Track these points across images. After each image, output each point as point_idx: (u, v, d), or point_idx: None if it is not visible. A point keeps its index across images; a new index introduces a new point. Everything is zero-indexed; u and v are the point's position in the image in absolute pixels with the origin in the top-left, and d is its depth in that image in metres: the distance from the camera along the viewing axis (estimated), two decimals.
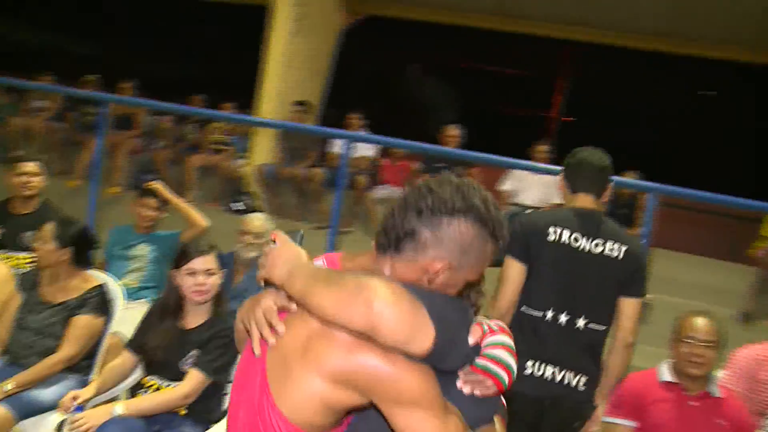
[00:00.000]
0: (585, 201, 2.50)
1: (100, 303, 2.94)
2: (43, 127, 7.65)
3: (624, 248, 2.42)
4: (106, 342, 3.04)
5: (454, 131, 6.40)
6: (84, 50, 10.74)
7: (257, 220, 3.76)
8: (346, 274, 1.25)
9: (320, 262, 1.46)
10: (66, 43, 10.89)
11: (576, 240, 2.42)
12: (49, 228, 2.93)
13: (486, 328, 1.38)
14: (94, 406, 2.54)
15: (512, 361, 1.37)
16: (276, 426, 1.26)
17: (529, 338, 2.41)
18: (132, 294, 3.79)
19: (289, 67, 7.21)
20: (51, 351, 2.83)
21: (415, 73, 12.24)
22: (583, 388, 2.44)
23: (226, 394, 2.62)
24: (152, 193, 4.06)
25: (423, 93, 11.78)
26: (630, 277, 2.43)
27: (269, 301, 1.33)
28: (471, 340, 1.32)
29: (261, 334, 1.30)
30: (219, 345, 2.58)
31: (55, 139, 7.66)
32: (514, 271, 2.45)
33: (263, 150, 7.23)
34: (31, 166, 3.94)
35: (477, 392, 1.32)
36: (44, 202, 4.01)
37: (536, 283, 2.44)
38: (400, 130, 4.85)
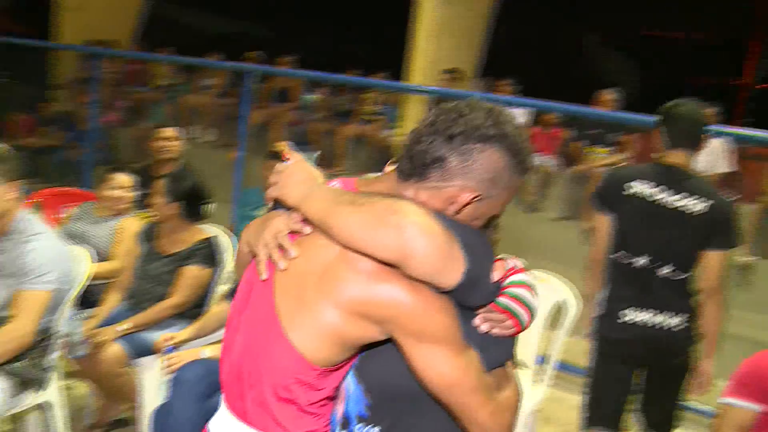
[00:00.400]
0: (677, 157, 2.51)
1: (207, 255, 3.05)
2: (210, 103, 8.21)
3: (708, 203, 2.46)
4: (218, 292, 3.16)
5: (609, 95, 6.09)
6: (251, 32, 11.37)
7: None
8: (374, 196, 1.16)
9: (335, 185, 1.36)
10: (234, 26, 11.60)
11: (655, 194, 2.50)
12: (161, 183, 3.08)
13: (509, 264, 1.29)
14: None
15: (534, 302, 1.27)
16: (281, 355, 1.20)
17: (623, 284, 2.57)
18: None
19: (439, 35, 7.09)
20: (164, 298, 2.99)
21: (590, 42, 11.62)
22: (678, 329, 2.53)
23: None
24: (278, 156, 4.14)
25: (599, 63, 11.16)
26: (713, 230, 2.47)
27: (280, 224, 1.25)
28: (495, 276, 1.24)
29: (270, 257, 1.23)
30: None
31: (220, 113, 8.17)
32: (600, 223, 2.65)
33: (414, 119, 7.21)
34: (169, 132, 4.19)
35: (496, 331, 1.24)
36: (183, 166, 4.25)
37: (621, 233, 2.58)
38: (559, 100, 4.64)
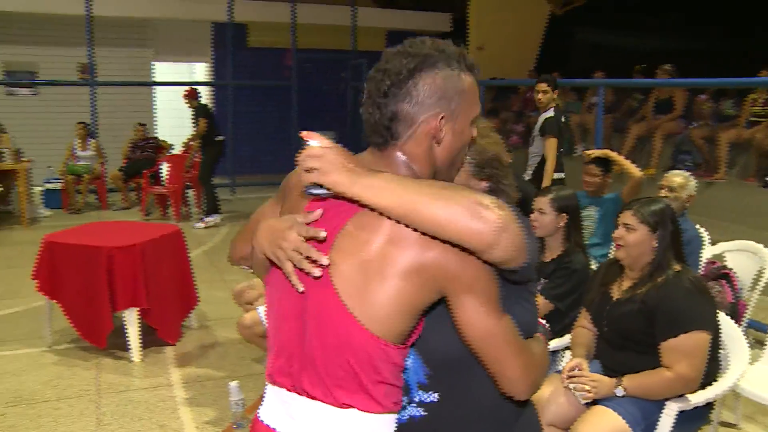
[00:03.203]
0: None
1: None
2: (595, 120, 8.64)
3: None
4: None
5: None
6: (632, 44, 11.34)
7: (679, 177, 3.84)
8: (440, 185, 1.21)
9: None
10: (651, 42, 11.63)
11: None
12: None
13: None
14: None
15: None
16: (363, 344, 1.23)
17: None
18: None
19: None
20: None
21: None
22: None
23: (568, 317, 2.99)
24: (596, 162, 4.49)
25: None
26: None
27: (293, 234, 1.26)
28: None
29: (303, 269, 1.24)
30: (561, 275, 3.00)
31: (606, 128, 8.53)
32: None
33: None
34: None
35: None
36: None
37: None
38: None
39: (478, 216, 1.13)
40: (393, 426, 1.32)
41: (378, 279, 1.20)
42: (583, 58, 11.94)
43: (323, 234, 1.23)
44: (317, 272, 1.22)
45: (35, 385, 3.79)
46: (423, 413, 1.37)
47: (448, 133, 1.29)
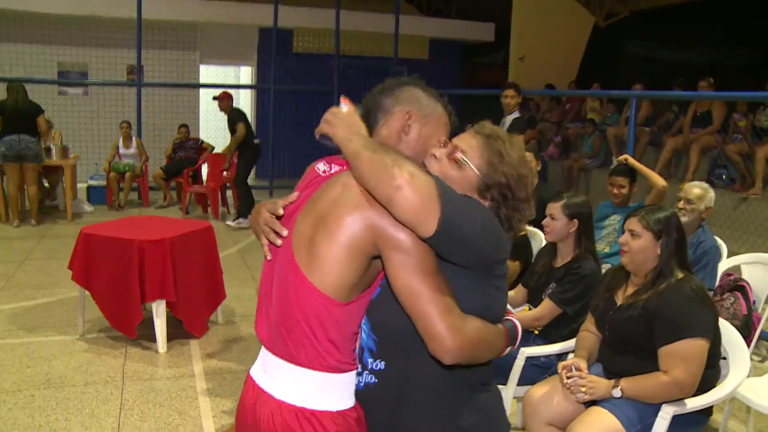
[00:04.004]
0: None
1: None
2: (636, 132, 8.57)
3: None
4: None
5: None
6: (676, 57, 11.16)
7: (697, 188, 3.82)
8: (393, 150, 1.39)
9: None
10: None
11: None
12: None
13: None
14: None
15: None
16: (309, 299, 1.40)
17: None
18: (605, 258, 4.34)
19: None
20: None
21: None
22: None
23: (576, 322, 3.01)
24: (622, 173, 4.48)
25: None
26: None
27: (266, 213, 1.53)
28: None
29: (269, 240, 1.51)
30: (570, 281, 3.03)
31: (641, 141, 8.46)
32: None
33: None
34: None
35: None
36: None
37: None
38: None
39: (387, 172, 1.30)
40: (345, 388, 1.46)
41: (323, 230, 1.38)
42: (627, 69, 11.85)
43: (281, 211, 1.51)
44: (278, 241, 1.48)
45: (65, 370, 3.96)
46: (375, 380, 1.48)
47: (415, 130, 1.53)
